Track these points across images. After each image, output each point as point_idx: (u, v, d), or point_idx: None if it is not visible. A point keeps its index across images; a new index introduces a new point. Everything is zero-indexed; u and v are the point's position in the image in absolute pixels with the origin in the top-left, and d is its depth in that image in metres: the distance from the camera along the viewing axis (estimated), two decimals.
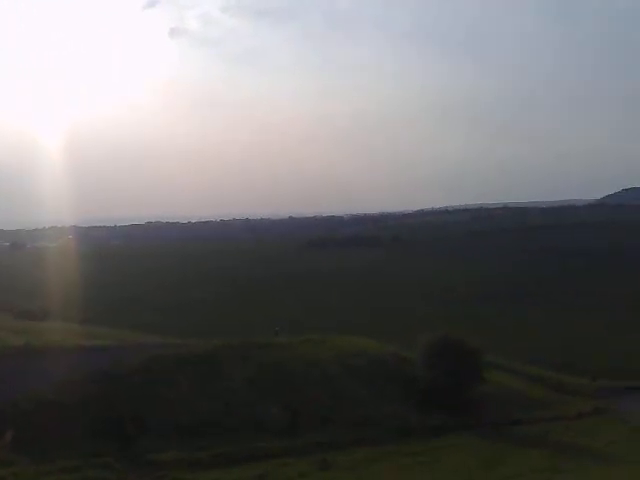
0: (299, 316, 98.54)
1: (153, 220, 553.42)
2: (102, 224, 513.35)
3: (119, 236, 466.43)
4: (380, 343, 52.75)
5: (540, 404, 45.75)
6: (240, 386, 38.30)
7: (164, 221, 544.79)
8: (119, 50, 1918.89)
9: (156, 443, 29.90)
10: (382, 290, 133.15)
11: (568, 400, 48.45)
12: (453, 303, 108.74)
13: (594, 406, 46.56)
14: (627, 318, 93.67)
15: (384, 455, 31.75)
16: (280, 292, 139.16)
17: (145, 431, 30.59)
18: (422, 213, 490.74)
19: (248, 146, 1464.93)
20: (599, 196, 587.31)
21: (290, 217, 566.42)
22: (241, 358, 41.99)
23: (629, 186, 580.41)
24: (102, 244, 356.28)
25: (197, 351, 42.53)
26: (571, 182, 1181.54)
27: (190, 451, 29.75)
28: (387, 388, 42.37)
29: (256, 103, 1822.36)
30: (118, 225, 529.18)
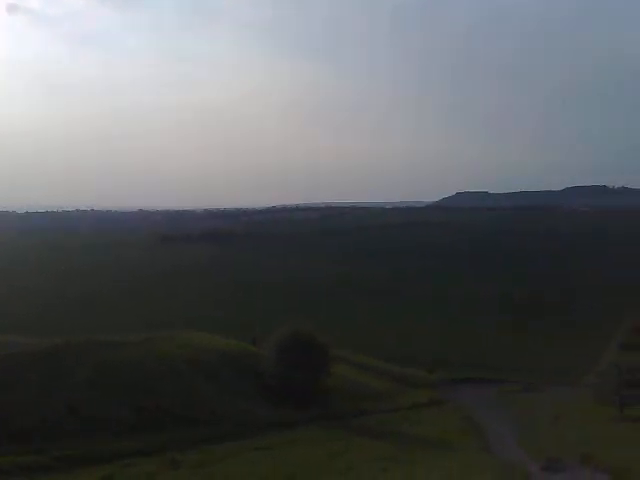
0: (145, 312, 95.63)
1: None
2: None
3: None
4: (229, 339, 52.54)
5: (383, 396, 47.98)
6: (83, 385, 36.38)
7: None
8: None
9: None
10: (231, 285, 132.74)
11: (409, 391, 51.22)
12: (303, 298, 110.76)
13: (430, 397, 49.67)
14: (462, 314, 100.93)
15: (235, 451, 31.71)
16: (127, 287, 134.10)
17: None
18: (274, 210, 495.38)
19: (90, 132, 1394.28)
20: (437, 198, 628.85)
21: (140, 210, 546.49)
22: (84, 356, 39.89)
23: (461, 190, 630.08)
24: None
25: (37, 350, 39.90)
26: (411, 184, 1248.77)
27: (29, 455, 27.90)
28: (238, 384, 42.37)
29: (98, 88, 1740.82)
30: None
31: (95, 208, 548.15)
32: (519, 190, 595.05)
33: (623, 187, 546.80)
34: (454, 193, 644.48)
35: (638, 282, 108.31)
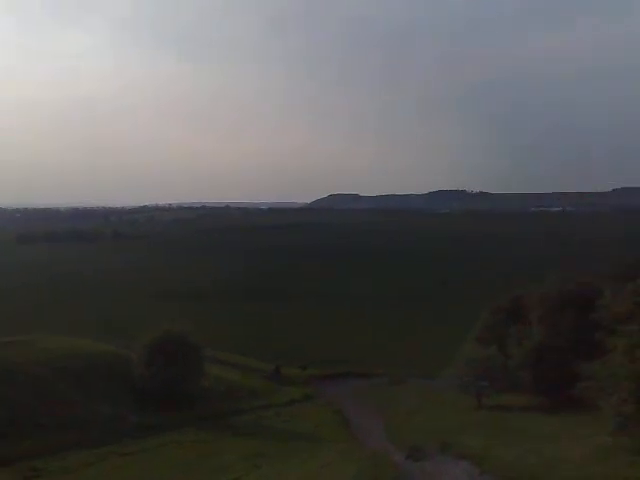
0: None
1: None
2: None
3: None
4: (96, 342, 50.49)
5: (255, 394, 48.25)
6: None
7: None
8: None
9: None
10: (94, 287, 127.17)
11: (281, 389, 51.88)
12: (174, 299, 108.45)
13: (303, 393, 50.66)
14: (333, 312, 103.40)
15: (100, 457, 30.73)
16: None
17: None
18: (146, 209, 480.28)
19: None
20: (309, 200, 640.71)
21: None
22: None
23: (333, 192, 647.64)
24: None
25: None
26: (285, 186, 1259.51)
27: None
28: (104, 388, 40.85)
29: None
30: None
31: None
32: (388, 193, 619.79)
33: (480, 192, 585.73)
34: (327, 195, 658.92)
35: (495, 281, 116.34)
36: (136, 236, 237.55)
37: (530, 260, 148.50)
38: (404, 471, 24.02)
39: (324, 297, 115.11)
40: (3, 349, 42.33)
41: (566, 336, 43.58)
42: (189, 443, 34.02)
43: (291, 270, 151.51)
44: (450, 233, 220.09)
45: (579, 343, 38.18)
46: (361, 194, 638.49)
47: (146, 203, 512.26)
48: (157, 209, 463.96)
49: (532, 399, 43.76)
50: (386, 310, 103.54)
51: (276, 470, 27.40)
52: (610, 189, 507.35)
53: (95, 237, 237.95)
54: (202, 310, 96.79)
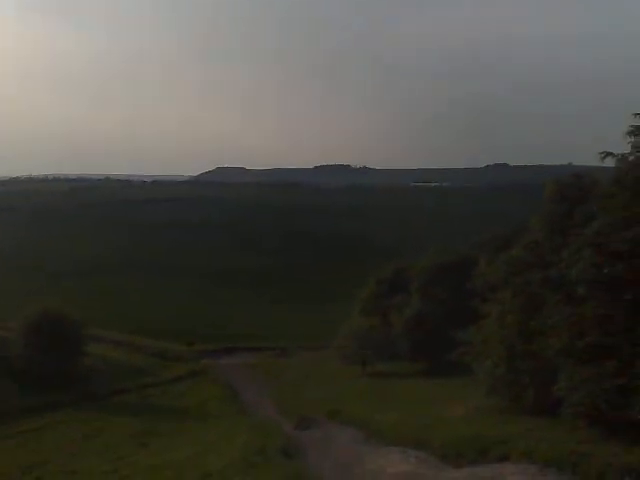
0: None
1: None
2: None
3: None
4: None
5: (142, 372, 47.39)
6: None
7: None
8: None
9: None
10: None
11: (168, 365, 51.25)
12: (56, 276, 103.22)
13: (191, 369, 50.35)
14: (218, 286, 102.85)
15: None
16: None
17: None
18: (18, 180, 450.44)
19: None
20: (195, 173, 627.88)
21: None
22: None
23: (220, 165, 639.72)
24: None
25: None
26: (171, 158, 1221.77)
27: None
28: None
29: None
30: None
31: None
32: (274, 167, 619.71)
33: (364, 166, 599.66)
34: (214, 168, 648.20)
35: (378, 252, 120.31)
36: (7, 208, 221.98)
37: (412, 232, 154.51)
38: (292, 439, 24.61)
39: (208, 272, 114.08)
40: None
41: (443, 304, 46.16)
42: (73, 423, 33.04)
43: (177, 245, 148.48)
44: (335, 207, 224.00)
45: (456, 311, 40.49)
46: (248, 167, 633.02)
47: (18, 174, 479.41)
48: (31, 180, 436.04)
49: (412, 366, 46.15)
50: (271, 284, 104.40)
51: (164, 447, 27.22)
52: (483, 165, 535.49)
53: None
54: (82, 287, 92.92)
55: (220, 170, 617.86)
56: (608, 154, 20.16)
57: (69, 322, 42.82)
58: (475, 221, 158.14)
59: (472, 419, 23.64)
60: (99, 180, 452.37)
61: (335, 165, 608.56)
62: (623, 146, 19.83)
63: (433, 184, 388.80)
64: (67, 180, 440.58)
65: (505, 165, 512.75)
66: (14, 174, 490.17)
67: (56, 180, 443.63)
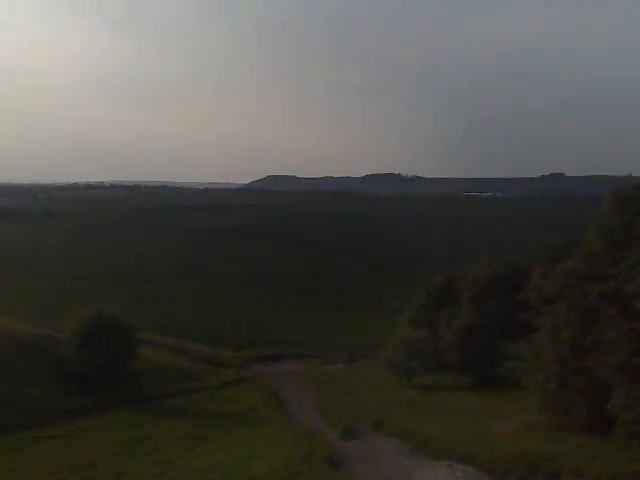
0: None
1: None
2: None
3: None
4: (26, 324, 48.81)
5: (190, 376, 47.90)
6: None
7: None
8: None
9: None
10: (31, 267, 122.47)
11: (215, 371, 51.70)
12: (108, 281, 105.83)
13: (238, 375, 50.69)
14: (264, 294, 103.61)
15: (27, 441, 29.89)
16: None
17: None
18: (77, 187, 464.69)
19: None
20: (247, 181, 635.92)
21: None
22: None
23: (272, 173, 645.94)
24: None
25: None
26: (218, 166, 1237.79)
27: None
28: (33, 371, 39.54)
29: None
30: None
31: None
32: (324, 175, 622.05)
33: (415, 176, 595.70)
34: (264, 176, 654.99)
35: (428, 264, 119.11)
36: (66, 215, 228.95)
37: (462, 242, 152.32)
38: (338, 449, 24.46)
39: (256, 278, 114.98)
40: None
41: (494, 316, 45.15)
42: (120, 425, 33.49)
43: (224, 252, 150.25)
44: (385, 215, 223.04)
45: (507, 323, 39.54)
46: (298, 175, 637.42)
47: (76, 180, 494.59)
48: (89, 187, 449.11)
49: (460, 378, 45.28)
50: (320, 291, 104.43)
51: (211, 451, 27.40)
52: (538, 175, 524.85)
53: (22, 215, 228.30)
54: (136, 292, 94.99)
55: (270, 178, 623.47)
56: None
57: (122, 325, 43.59)
58: (529, 231, 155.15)
59: (521, 435, 22.99)
60: (155, 187, 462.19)
61: (385, 174, 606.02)
62: None
63: (485, 194, 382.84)
64: (124, 187, 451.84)
65: (561, 175, 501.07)
66: (72, 180, 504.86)
67: (113, 187, 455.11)
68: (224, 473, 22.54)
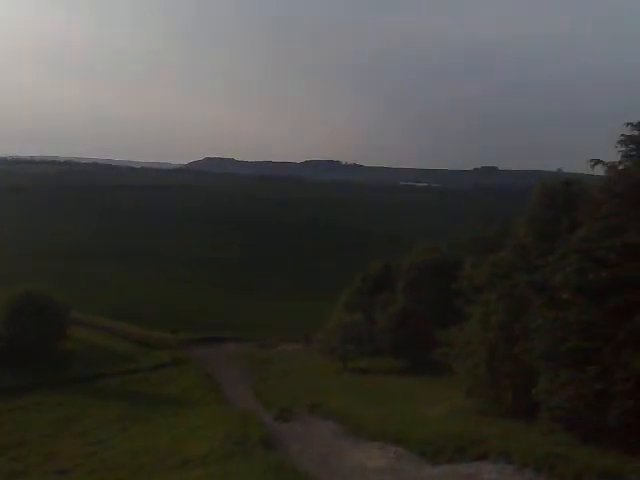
0: None
1: None
2: None
3: None
4: None
5: (123, 358, 47.18)
6: None
7: None
8: None
9: None
10: None
11: (150, 352, 51.03)
12: (36, 259, 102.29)
13: (173, 357, 50.22)
14: (198, 276, 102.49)
15: None
16: None
17: None
18: (6, 161, 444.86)
19: None
20: (185, 162, 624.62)
21: None
22: None
23: (210, 155, 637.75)
24: None
25: None
26: (162, 146, 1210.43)
27: None
28: None
29: None
30: None
31: None
32: (264, 160, 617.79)
33: (354, 164, 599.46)
34: (203, 158, 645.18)
35: (364, 250, 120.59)
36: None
37: (399, 231, 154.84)
38: (273, 431, 24.73)
39: (191, 260, 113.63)
40: None
41: (428, 303, 46.45)
42: (52, 406, 32.79)
43: (162, 233, 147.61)
44: (324, 202, 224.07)
45: (440, 310, 40.78)
46: (237, 158, 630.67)
47: (5, 154, 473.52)
48: (18, 162, 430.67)
49: (394, 362, 46.43)
50: (256, 275, 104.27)
51: (145, 433, 27.22)
52: (471, 168, 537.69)
53: None
54: (65, 271, 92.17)
55: (209, 160, 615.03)
56: (598, 162, 20.43)
57: (53, 305, 42.47)
58: (459, 221, 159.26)
59: (451, 418, 23.87)
60: (87, 164, 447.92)
61: (324, 161, 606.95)
62: (613, 155, 20.13)
63: (420, 184, 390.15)
64: (55, 162, 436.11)
65: (494, 169, 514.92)
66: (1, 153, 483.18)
67: (44, 162, 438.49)
68: (158, 454, 22.46)
